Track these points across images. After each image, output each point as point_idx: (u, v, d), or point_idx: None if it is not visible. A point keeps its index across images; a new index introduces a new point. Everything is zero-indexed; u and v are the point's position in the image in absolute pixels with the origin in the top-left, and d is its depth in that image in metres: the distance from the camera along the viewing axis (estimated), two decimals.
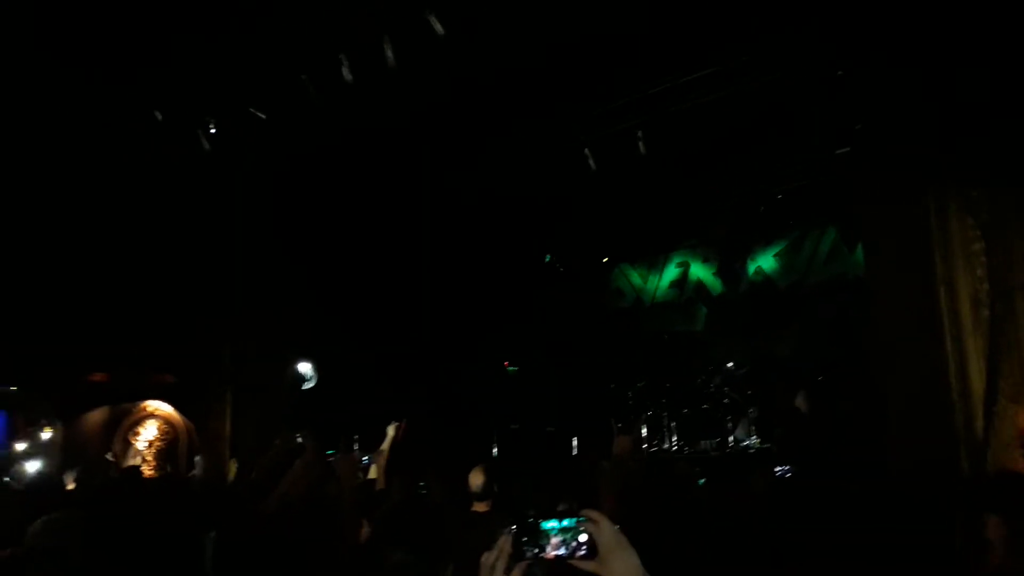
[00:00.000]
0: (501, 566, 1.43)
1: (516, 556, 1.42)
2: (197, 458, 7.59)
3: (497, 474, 4.17)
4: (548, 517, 1.42)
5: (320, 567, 3.36)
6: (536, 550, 1.40)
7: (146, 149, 8.06)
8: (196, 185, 8.72)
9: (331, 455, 4.42)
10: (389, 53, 6.86)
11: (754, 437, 9.13)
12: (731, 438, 9.30)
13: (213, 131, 8.18)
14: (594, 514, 1.44)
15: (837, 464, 5.41)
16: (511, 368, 11.83)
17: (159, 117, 7.80)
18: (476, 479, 4.08)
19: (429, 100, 7.57)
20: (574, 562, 1.41)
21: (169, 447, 9.69)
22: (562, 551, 1.40)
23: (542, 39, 6.65)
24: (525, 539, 1.41)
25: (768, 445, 8.74)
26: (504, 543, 1.45)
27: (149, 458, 9.49)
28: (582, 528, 1.41)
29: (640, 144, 8.09)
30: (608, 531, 1.41)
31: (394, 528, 2.67)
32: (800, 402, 7.49)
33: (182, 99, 7.81)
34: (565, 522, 1.41)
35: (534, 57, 6.84)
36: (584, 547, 1.40)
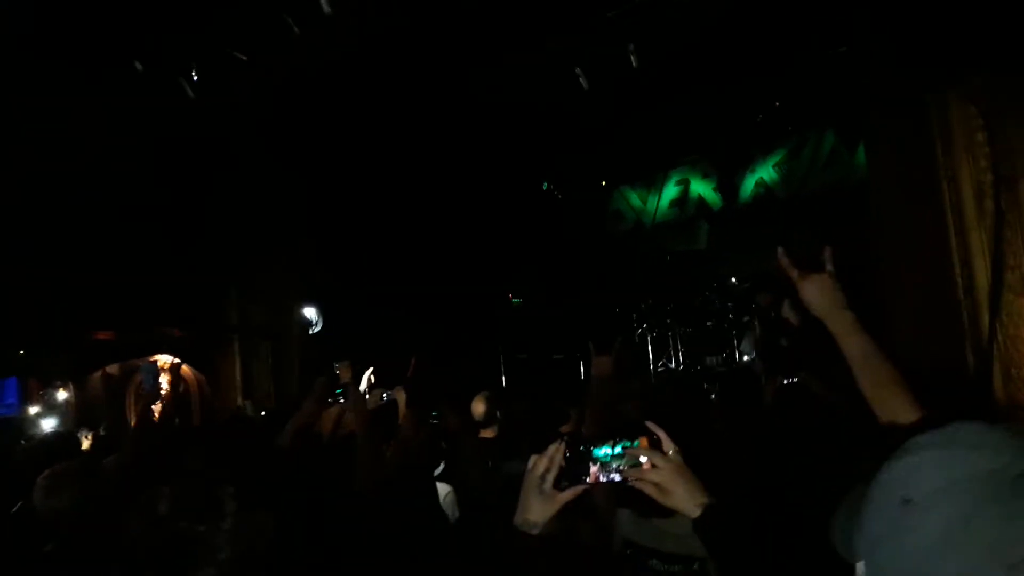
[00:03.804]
0: (551, 478, 1.39)
1: (569, 475, 1.38)
2: (246, 403, 7.74)
3: (501, 401, 4.19)
4: (599, 444, 1.38)
5: (336, 499, 3.39)
6: (587, 477, 1.37)
7: (132, 101, 7.91)
8: (189, 133, 8.59)
9: (339, 393, 4.41)
10: None
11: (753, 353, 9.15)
12: (736, 353, 9.34)
13: (196, 78, 8.01)
14: (659, 432, 1.39)
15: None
16: (515, 300, 11.83)
17: (139, 68, 7.63)
18: (478, 406, 4.11)
19: (414, 23, 7.35)
20: (635, 484, 1.38)
21: (180, 399, 9.78)
22: (616, 476, 1.37)
23: None
24: (578, 465, 1.38)
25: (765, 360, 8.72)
26: (555, 451, 1.40)
27: (157, 410, 9.58)
28: (640, 452, 1.37)
29: (632, 58, 7.86)
30: (673, 456, 1.37)
31: None
32: (787, 311, 7.34)
33: (162, 48, 7.63)
34: (618, 448, 1.37)
35: None
36: (640, 473, 1.36)
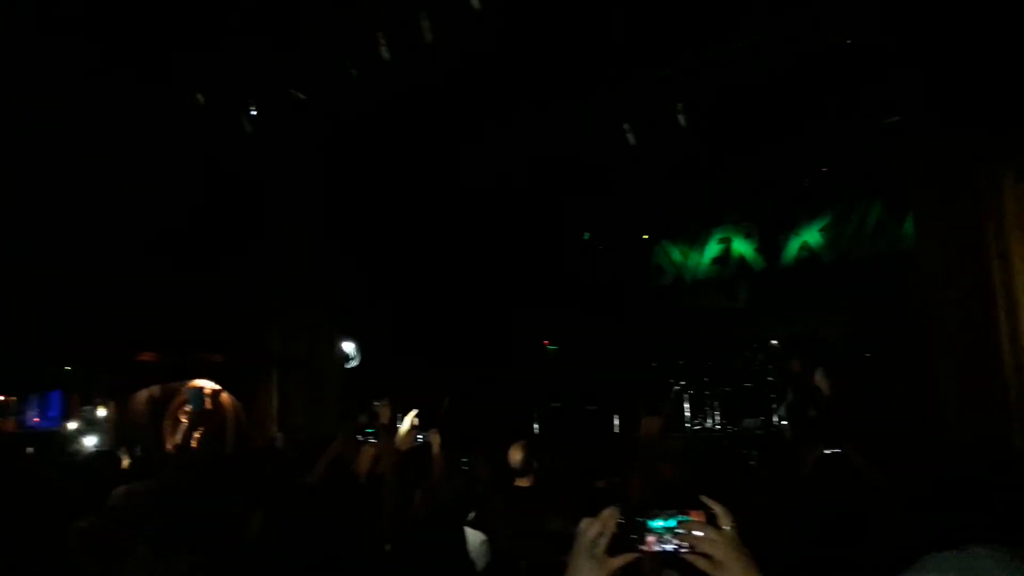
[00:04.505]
0: (603, 543, 1.42)
1: (620, 542, 1.40)
2: (279, 435, 7.81)
3: (537, 450, 4.19)
4: (654, 515, 1.39)
5: (362, 539, 3.39)
6: (643, 546, 1.38)
7: (190, 132, 8.20)
8: (240, 165, 8.85)
9: (371, 432, 4.45)
10: (426, 27, 6.84)
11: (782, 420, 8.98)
12: (775, 416, 9.19)
13: (254, 113, 8.28)
14: (716, 507, 1.41)
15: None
16: (551, 347, 11.83)
17: (201, 100, 7.91)
18: (515, 455, 4.11)
19: (465, 73, 7.54)
20: (688, 557, 1.38)
21: (216, 425, 9.88)
22: (669, 547, 1.38)
23: (578, 8, 6.56)
24: (631, 533, 1.39)
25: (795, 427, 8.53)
26: (608, 516, 1.43)
27: (197, 436, 9.69)
28: (696, 527, 1.37)
29: (680, 117, 7.95)
30: (729, 532, 1.38)
31: None
32: (819, 380, 7.14)
33: (223, 82, 7.92)
34: (672, 521, 1.38)
35: (570, 28, 6.75)
36: (696, 543, 1.37)
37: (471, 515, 3.96)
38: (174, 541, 2.69)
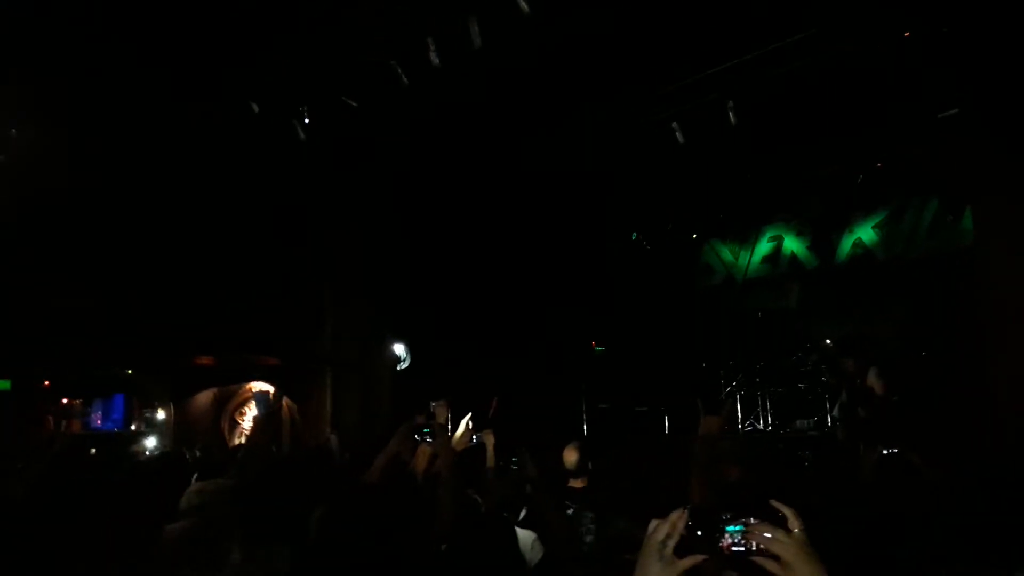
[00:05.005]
0: (672, 544, 1.43)
1: (689, 543, 1.41)
2: (332, 435, 7.98)
3: (592, 451, 4.19)
4: (725, 518, 1.40)
5: (418, 539, 3.43)
6: (714, 547, 1.39)
7: (244, 140, 8.38)
8: (294, 173, 9.02)
9: (427, 432, 4.50)
10: (475, 33, 6.89)
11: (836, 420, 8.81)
12: (829, 418, 9.03)
13: (307, 121, 8.42)
14: (785, 510, 1.41)
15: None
16: (598, 348, 11.78)
17: (255, 109, 8.09)
18: (570, 456, 4.12)
19: (514, 76, 7.57)
20: (758, 559, 1.38)
21: (274, 426, 10.10)
22: (740, 548, 1.39)
23: (626, 6, 6.54)
24: (702, 535, 1.40)
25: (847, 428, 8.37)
26: (678, 518, 1.44)
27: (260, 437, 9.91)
28: (766, 529, 1.38)
29: (730, 115, 7.86)
30: (799, 534, 1.39)
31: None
32: (873, 380, 6.95)
33: (277, 91, 8.08)
34: (741, 524, 1.39)
35: (619, 27, 6.73)
36: (766, 545, 1.37)
37: (522, 514, 3.99)
38: (264, 543, 2.76)
